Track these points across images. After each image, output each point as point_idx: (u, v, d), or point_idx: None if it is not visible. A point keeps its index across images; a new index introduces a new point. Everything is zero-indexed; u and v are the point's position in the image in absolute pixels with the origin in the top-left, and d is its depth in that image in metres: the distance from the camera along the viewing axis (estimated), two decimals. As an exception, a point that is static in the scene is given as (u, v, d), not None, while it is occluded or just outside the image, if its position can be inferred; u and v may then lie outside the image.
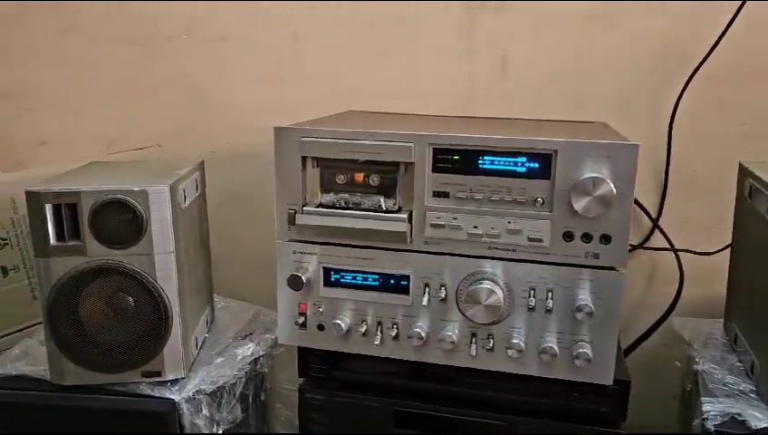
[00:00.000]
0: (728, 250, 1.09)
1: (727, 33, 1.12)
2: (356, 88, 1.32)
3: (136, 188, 0.80)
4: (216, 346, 0.97)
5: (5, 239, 1.18)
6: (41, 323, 1.20)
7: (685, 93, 1.17)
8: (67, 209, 0.81)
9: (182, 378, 0.87)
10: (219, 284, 1.28)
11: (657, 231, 1.25)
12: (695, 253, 1.21)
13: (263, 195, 1.42)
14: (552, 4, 1.20)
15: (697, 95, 1.17)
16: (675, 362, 1.17)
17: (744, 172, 0.93)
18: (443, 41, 1.27)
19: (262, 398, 1.06)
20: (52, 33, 1.45)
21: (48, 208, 0.80)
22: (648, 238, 1.26)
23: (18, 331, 1.20)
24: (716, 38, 1.13)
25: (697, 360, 0.88)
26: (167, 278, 0.83)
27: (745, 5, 1.10)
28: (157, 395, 0.85)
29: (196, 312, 0.96)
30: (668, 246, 1.23)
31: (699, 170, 1.23)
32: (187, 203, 0.91)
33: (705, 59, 1.14)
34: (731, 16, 1.11)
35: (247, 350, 0.93)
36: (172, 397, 0.84)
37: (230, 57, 1.38)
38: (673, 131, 1.20)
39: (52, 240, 0.81)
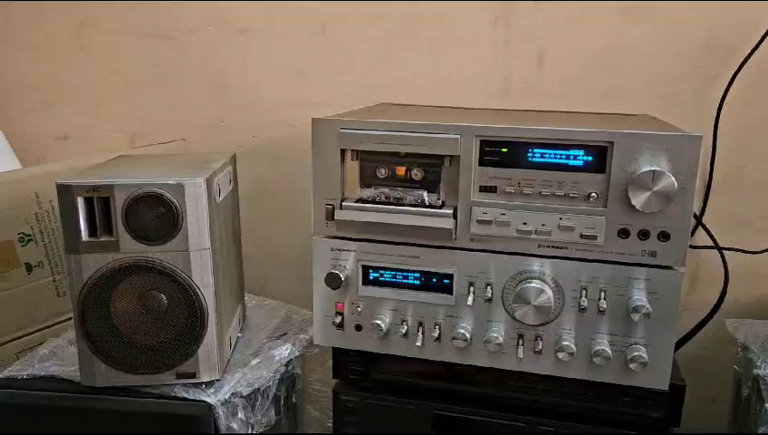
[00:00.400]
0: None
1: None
2: (386, 81, 1.28)
3: (171, 181, 0.77)
4: (251, 347, 0.94)
5: (29, 235, 1.15)
6: (66, 320, 1.19)
7: (732, 86, 1.12)
8: (100, 203, 0.77)
9: (217, 380, 0.84)
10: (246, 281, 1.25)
11: (700, 229, 1.20)
12: (741, 251, 1.16)
13: (289, 190, 1.39)
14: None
15: (745, 88, 1.13)
16: (717, 363, 1.13)
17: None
18: (477, 33, 1.23)
19: (293, 399, 1.02)
20: (72, 26, 1.42)
21: (80, 202, 0.76)
22: (691, 236, 1.21)
23: (43, 329, 1.17)
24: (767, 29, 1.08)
25: (758, 364, 0.84)
26: (202, 276, 0.80)
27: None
28: (192, 398, 0.81)
29: (229, 311, 0.92)
30: (712, 244, 1.18)
31: (747, 165, 1.18)
32: (222, 197, 0.87)
33: (753, 50, 1.09)
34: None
35: (284, 351, 0.90)
36: (207, 399, 0.81)
37: (256, 49, 1.34)
38: (719, 125, 1.15)
39: (84, 235, 0.77)
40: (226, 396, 0.81)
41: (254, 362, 0.88)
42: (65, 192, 0.76)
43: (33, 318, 1.16)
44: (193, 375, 0.82)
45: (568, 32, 1.19)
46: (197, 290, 0.79)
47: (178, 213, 0.77)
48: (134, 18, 1.38)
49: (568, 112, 1.08)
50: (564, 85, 1.21)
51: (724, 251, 1.17)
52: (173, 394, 0.82)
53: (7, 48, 1.46)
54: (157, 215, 0.77)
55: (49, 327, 1.18)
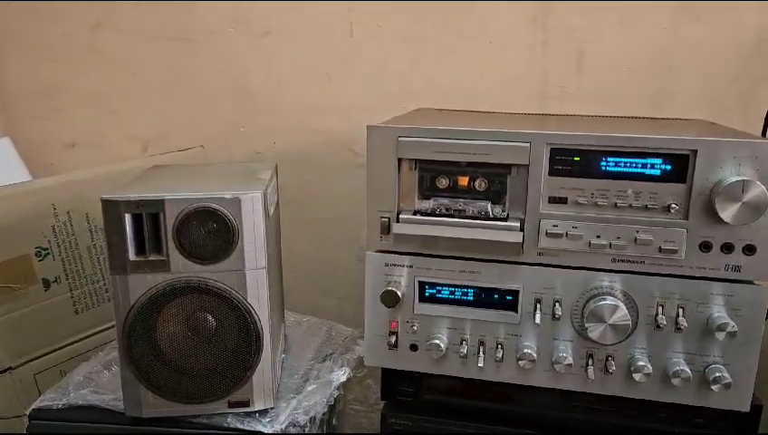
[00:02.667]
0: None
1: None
2: (418, 86, 1.24)
3: (228, 196, 0.71)
4: (298, 369, 0.88)
5: (47, 249, 1.08)
6: (85, 338, 1.13)
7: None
8: (148, 219, 0.71)
9: (271, 408, 0.78)
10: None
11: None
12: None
13: (312, 199, 1.34)
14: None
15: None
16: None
17: None
18: (514, 33, 1.19)
19: (334, 422, 0.96)
20: (84, 27, 1.35)
21: (128, 219, 0.70)
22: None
23: (61, 348, 1.11)
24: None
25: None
26: (258, 298, 0.74)
27: None
28: (247, 428, 0.75)
29: (277, 332, 0.86)
30: None
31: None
32: (272, 211, 0.81)
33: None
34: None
35: (341, 375, 0.84)
36: (264, 430, 0.75)
37: (279, 52, 1.29)
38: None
39: (132, 255, 0.71)
40: (283, 426, 0.75)
41: (309, 387, 0.82)
42: (111, 208, 0.69)
43: (51, 337, 1.09)
44: (247, 404, 0.76)
45: (609, 33, 1.15)
46: (253, 313, 0.74)
47: (235, 230, 0.71)
48: (149, 19, 1.32)
49: (623, 118, 1.04)
50: (604, 89, 1.17)
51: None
52: (226, 425, 0.76)
53: (15, 49, 1.39)
54: (210, 231, 0.71)
55: (67, 346, 1.12)
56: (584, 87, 1.18)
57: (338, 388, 0.84)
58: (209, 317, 0.74)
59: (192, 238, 0.71)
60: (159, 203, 0.70)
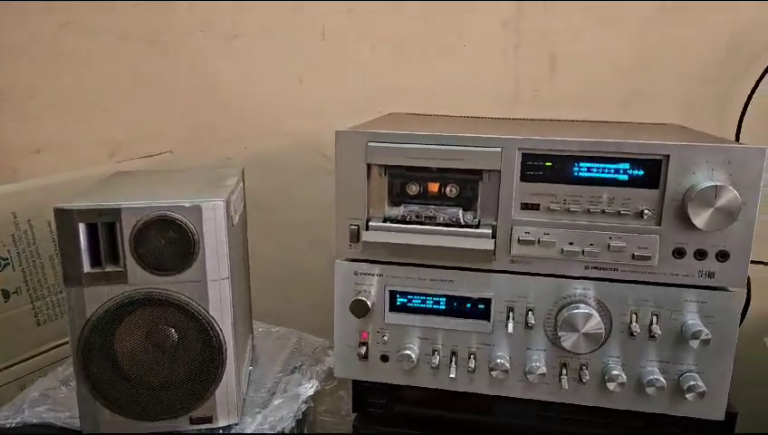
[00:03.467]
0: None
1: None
2: (390, 89, 1.22)
3: (187, 204, 0.68)
4: (265, 383, 0.85)
5: (6, 259, 1.05)
6: (47, 351, 1.09)
7: (754, 94, 1.08)
8: (104, 229, 0.68)
9: (236, 424, 0.75)
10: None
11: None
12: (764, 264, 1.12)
13: (283, 206, 1.31)
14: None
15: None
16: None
17: None
18: (487, 36, 1.17)
19: (305, 432, 0.94)
20: (51, 27, 1.32)
21: (82, 229, 0.67)
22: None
23: (22, 361, 1.07)
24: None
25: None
26: (221, 309, 0.71)
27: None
28: (209, 446, 0.72)
29: (243, 344, 0.84)
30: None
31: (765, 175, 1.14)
32: (237, 219, 0.79)
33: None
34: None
35: (309, 389, 0.81)
36: (227, 448, 0.72)
37: (250, 55, 1.26)
38: (741, 134, 1.11)
39: (87, 266, 0.68)
40: (248, 443, 0.73)
41: (275, 402, 0.79)
42: (65, 217, 0.66)
43: (11, 350, 1.06)
44: (210, 420, 0.73)
45: (581, 35, 1.14)
46: (216, 325, 0.71)
47: (195, 239, 0.68)
48: (118, 21, 1.29)
49: (595, 122, 1.03)
50: (577, 92, 1.16)
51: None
52: (187, 442, 0.73)
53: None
54: (170, 241, 0.68)
55: (29, 359, 1.08)
56: (557, 90, 1.17)
57: (306, 401, 0.81)
58: (170, 330, 0.71)
59: (150, 249, 0.68)
60: (116, 212, 0.67)
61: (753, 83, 1.07)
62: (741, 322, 1.09)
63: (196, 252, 0.69)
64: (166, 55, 1.29)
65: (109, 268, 0.68)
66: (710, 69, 1.11)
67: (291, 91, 1.27)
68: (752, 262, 1.08)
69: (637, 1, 1.10)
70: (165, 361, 0.71)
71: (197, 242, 0.68)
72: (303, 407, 0.80)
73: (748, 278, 1.09)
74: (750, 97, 1.08)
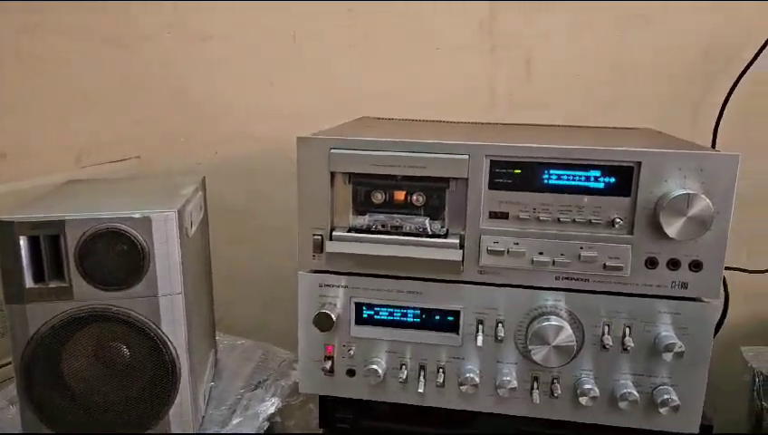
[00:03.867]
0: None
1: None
2: (363, 93, 1.19)
3: (137, 215, 0.64)
4: (226, 399, 0.82)
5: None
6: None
7: (730, 99, 1.07)
8: (47, 243, 0.64)
9: (192, 444, 0.71)
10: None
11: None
12: (741, 271, 1.10)
13: (255, 212, 1.28)
14: (583, 3, 1.09)
15: (743, 100, 1.07)
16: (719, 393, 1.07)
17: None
18: (461, 40, 1.15)
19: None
20: (11, 29, 1.27)
21: (23, 242, 0.63)
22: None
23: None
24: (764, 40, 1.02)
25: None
26: (174, 325, 0.67)
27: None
28: (163, 469, 0.69)
29: (203, 359, 0.80)
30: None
31: (744, 181, 1.12)
32: (194, 230, 0.75)
33: (750, 63, 1.04)
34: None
35: (269, 407, 0.78)
36: (181, 471, 0.68)
37: (220, 58, 1.23)
38: (717, 139, 1.09)
39: (29, 282, 0.64)
40: (204, 464, 0.69)
41: (235, 420, 0.76)
42: (5, 230, 0.62)
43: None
44: (163, 441, 0.70)
45: (557, 39, 1.12)
46: (168, 342, 0.67)
47: (145, 252, 0.65)
48: (82, 22, 1.25)
49: (569, 127, 1.00)
50: (554, 95, 1.14)
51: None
52: (139, 466, 0.69)
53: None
54: (118, 255, 0.64)
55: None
56: (532, 94, 1.15)
57: (268, 419, 0.78)
58: (120, 348, 0.67)
59: (97, 262, 0.64)
60: (59, 224, 0.63)
61: (729, 88, 1.05)
62: (718, 330, 1.09)
63: (146, 266, 0.65)
64: (134, 57, 1.25)
65: (53, 284, 0.65)
66: (686, 73, 1.10)
67: (261, 94, 1.24)
68: (730, 268, 1.08)
69: (613, 1, 1.08)
70: (115, 380, 0.68)
71: (147, 255, 0.65)
72: (266, 425, 0.77)
73: (726, 286, 1.09)
74: (726, 102, 1.07)
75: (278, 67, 1.21)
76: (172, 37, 1.24)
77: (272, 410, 0.78)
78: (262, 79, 1.23)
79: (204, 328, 0.82)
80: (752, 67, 1.04)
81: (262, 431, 0.76)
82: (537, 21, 1.12)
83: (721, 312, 1.09)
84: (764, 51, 1.03)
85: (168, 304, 0.67)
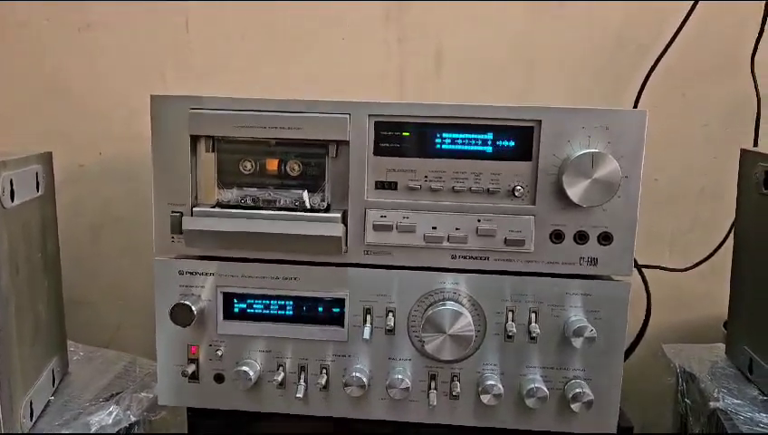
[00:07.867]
0: (703, 266, 0.97)
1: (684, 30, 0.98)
2: (263, 86, 1.09)
3: None
4: (65, 412, 0.67)
5: None
6: None
7: (643, 91, 1.02)
8: None
9: (1, 466, 0.57)
10: (82, 329, 0.98)
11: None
12: (663, 269, 1.04)
13: (143, 218, 1.15)
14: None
15: (656, 92, 1.03)
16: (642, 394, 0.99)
17: (750, 159, 0.76)
18: (367, 29, 1.07)
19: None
20: None
21: None
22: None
23: None
24: (674, 32, 0.98)
25: (715, 395, 0.69)
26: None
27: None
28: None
29: (33, 364, 0.66)
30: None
31: (660, 177, 1.07)
32: (16, 202, 0.62)
33: (662, 54, 1.00)
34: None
35: (107, 417, 0.64)
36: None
37: (102, 48, 1.11)
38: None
39: None
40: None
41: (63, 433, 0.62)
42: None
43: None
44: (-41, 461, 0.55)
45: (466, 29, 1.06)
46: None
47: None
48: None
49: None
50: (464, 88, 1.07)
51: (644, 269, 1.04)
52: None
53: None
54: None
55: None
56: (443, 85, 1.08)
57: (120, 433, 0.64)
58: None
59: None
60: None
61: (643, 79, 1.01)
62: (643, 332, 1.02)
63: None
64: (5, 48, 1.12)
65: None
66: (598, 62, 1.05)
67: (152, 88, 1.12)
68: (650, 266, 1.02)
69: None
70: None
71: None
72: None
73: (647, 286, 1.02)
74: (640, 92, 1.02)
75: (170, 58, 1.10)
76: (50, 24, 1.11)
77: (108, 421, 0.64)
78: (153, 71, 1.11)
79: (37, 327, 0.68)
80: (663, 58, 1.00)
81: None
82: (445, 10, 1.06)
83: (645, 314, 1.03)
84: (674, 43, 0.99)
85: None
